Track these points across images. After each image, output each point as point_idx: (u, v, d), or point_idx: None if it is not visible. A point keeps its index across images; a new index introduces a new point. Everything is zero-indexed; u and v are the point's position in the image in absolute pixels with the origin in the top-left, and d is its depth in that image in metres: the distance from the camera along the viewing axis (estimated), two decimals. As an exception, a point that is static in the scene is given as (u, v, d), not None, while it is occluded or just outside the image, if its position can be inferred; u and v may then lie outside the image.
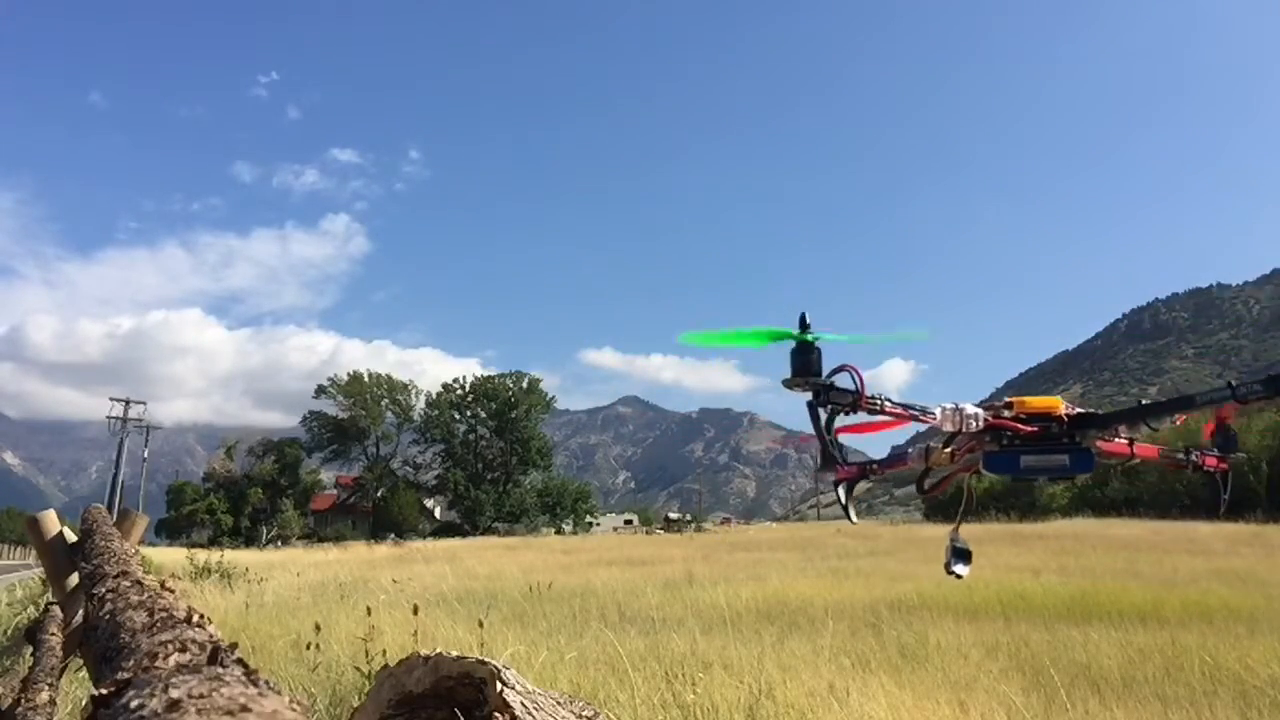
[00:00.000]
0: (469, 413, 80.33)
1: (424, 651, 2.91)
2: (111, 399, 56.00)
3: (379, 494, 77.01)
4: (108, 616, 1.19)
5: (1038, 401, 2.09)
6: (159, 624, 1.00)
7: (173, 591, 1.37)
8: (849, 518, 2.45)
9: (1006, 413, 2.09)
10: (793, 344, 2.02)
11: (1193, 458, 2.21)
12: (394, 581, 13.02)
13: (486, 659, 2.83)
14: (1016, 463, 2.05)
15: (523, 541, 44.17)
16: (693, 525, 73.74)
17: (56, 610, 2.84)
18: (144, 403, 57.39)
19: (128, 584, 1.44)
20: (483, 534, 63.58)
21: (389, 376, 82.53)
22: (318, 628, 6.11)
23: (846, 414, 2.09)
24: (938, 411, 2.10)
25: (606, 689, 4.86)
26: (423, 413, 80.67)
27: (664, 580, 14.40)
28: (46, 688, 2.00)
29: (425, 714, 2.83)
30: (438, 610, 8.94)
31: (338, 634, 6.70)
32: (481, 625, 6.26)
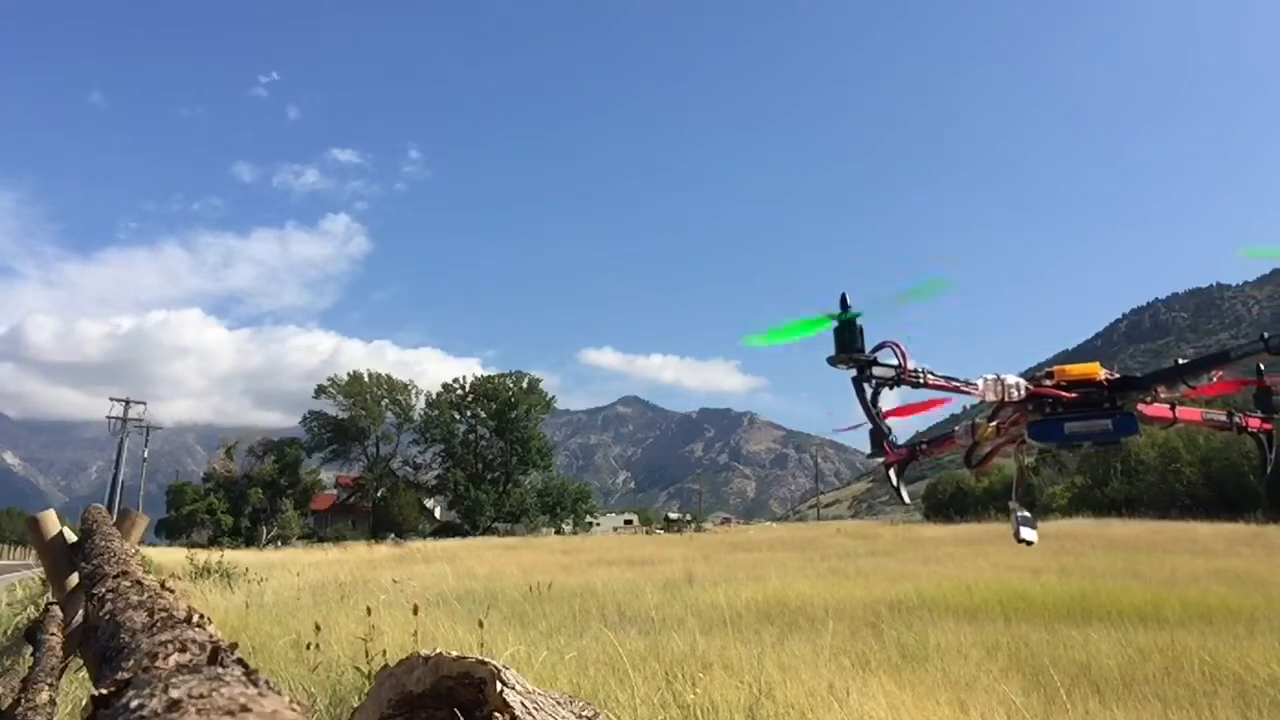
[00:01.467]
0: (469, 413, 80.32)
1: (424, 651, 2.91)
2: (111, 399, 56.06)
3: (379, 494, 77.00)
4: (108, 616, 1.19)
5: (1077, 369, 2.13)
6: (159, 624, 1.00)
7: (173, 591, 1.37)
8: (901, 499, 2.47)
9: (1047, 382, 2.12)
10: (836, 323, 2.07)
11: (1236, 420, 2.26)
12: (394, 581, 13.02)
13: (486, 659, 2.83)
14: (1061, 429, 2.09)
15: (523, 541, 44.18)
16: (693, 525, 73.77)
17: (56, 610, 2.84)
18: (144, 403, 57.47)
19: (128, 584, 1.44)
20: (483, 534, 63.59)
21: (389, 376, 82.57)
22: (318, 628, 6.11)
23: (891, 388, 2.11)
24: (979, 383, 2.14)
25: (606, 689, 4.86)
26: (423, 413, 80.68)
27: (664, 580, 14.41)
28: (46, 688, 2.00)
29: (425, 714, 2.82)
30: (438, 610, 8.94)
31: (338, 634, 6.70)
32: (481, 625, 6.26)
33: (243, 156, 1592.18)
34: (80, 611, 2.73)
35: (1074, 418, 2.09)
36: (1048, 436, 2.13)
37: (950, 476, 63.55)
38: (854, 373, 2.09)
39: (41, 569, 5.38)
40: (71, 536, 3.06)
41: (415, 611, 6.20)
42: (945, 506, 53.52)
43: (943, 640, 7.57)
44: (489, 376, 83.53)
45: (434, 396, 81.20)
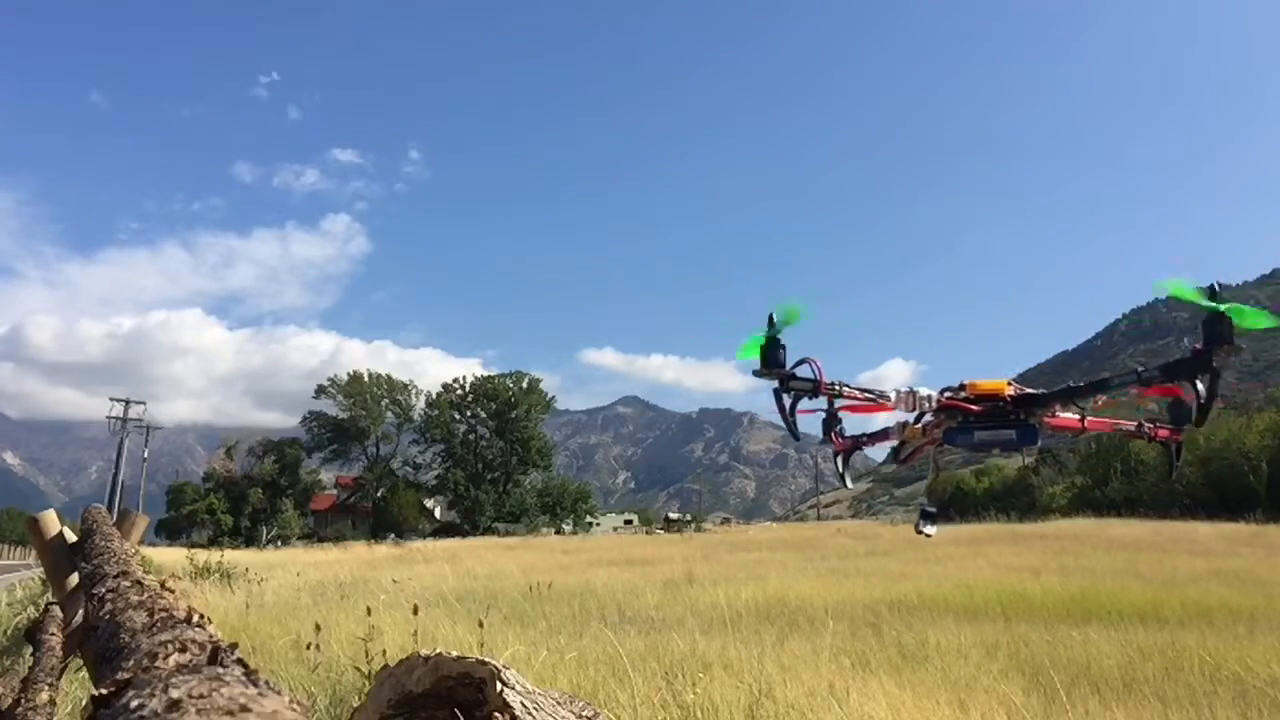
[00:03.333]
0: (469, 413, 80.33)
1: (424, 651, 2.91)
2: (111, 399, 56.00)
3: (379, 494, 77.01)
4: (108, 616, 1.19)
5: (986, 384, 2.33)
6: (159, 624, 1.01)
7: (173, 591, 1.37)
8: (845, 484, 2.74)
9: (961, 394, 2.33)
10: (764, 340, 2.35)
11: (1145, 429, 2.45)
12: (394, 581, 13.02)
13: (486, 659, 2.83)
14: (972, 436, 2.31)
15: (523, 541, 44.18)
16: (693, 525, 73.73)
17: (56, 610, 2.84)
18: (144, 403, 57.40)
19: (128, 584, 1.44)
20: (483, 534, 63.57)
21: (389, 376, 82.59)
22: (318, 628, 6.11)
23: (810, 398, 2.38)
24: (893, 394, 2.39)
25: (606, 689, 4.86)
26: (423, 413, 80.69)
27: (664, 580, 14.41)
28: (46, 688, 2.00)
29: (425, 714, 2.82)
30: (438, 610, 8.94)
31: (338, 634, 6.70)
32: (481, 625, 6.25)
33: (243, 157, 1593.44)
34: (80, 611, 2.73)
35: (984, 427, 2.29)
36: (960, 441, 2.34)
37: (950, 477, 63.61)
38: (776, 384, 2.34)
39: (41, 569, 5.38)
40: (71, 536, 3.06)
41: (415, 611, 6.19)
42: (945, 507, 53.55)
43: (943, 640, 7.57)
44: (489, 376, 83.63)
45: (434, 396, 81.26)
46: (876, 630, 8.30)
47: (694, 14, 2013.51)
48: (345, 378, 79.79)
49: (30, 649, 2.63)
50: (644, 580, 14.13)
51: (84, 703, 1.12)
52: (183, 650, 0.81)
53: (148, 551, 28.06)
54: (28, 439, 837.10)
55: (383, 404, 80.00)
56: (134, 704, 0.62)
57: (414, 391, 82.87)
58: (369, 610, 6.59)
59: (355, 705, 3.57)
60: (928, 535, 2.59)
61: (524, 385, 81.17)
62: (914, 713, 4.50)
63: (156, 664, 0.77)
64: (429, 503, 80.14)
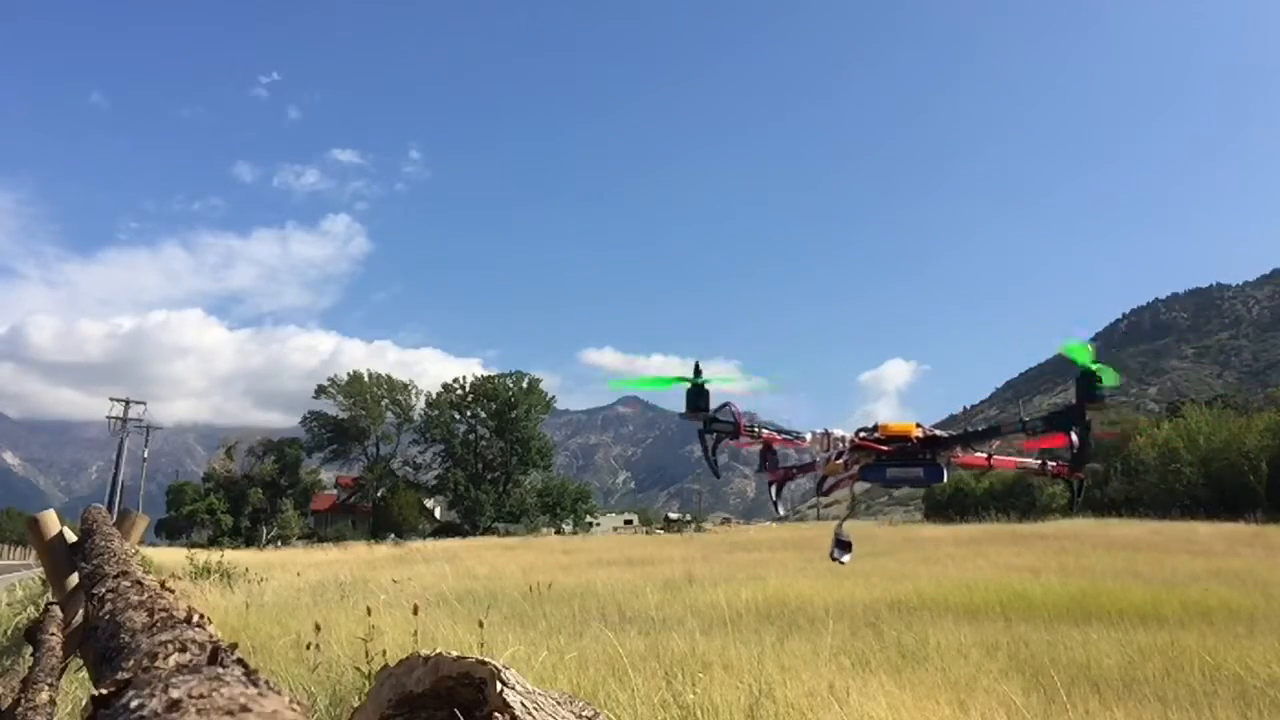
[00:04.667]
0: (469, 413, 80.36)
1: (424, 651, 2.91)
2: (111, 399, 55.97)
3: (379, 494, 77.03)
4: (108, 616, 1.19)
5: (897, 426, 2.53)
6: (159, 624, 1.01)
7: (173, 591, 1.37)
8: (776, 511, 2.92)
9: (874, 435, 2.52)
10: (689, 386, 2.59)
11: (1048, 467, 2.57)
12: (394, 581, 13.03)
13: (486, 659, 2.83)
14: (884, 473, 2.51)
15: (523, 541, 44.19)
16: (693, 525, 73.74)
17: (56, 610, 2.84)
18: (144, 403, 57.39)
19: (128, 584, 1.44)
20: (483, 534, 63.59)
21: (389, 376, 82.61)
22: (318, 628, 6.11)
23: (732, 439, 2.63)
24: (808, 435, 2.62)
25: (606, 689, 4.87)
26: (423, 413, 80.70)
27: (664, 580, 14.41)
28: (46, 688, 2.01)
29: (425, 714, 2.83)
30: (438, 610, 8.94)
31: (338, 634, 6.70)
32: (481, 625, 6.26)
33: (243, 157, 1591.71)
34: (80, 611, 2.73)
35: (895, 464, 2.48)
36: (874, 477, 2.54)
37: (951, 477, 63.42)
38: (700, 425, 2.60)
39: (41, 569, 5.38)
40: (71, 536, 3.06)
41: (415, 611, 6.20)
42: (945, 507, 53.57)
43: (943, 640, 7.58)
44: (489, 376, 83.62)
45: (434, 396, 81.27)
46: (876, 630, 8.30)
47: (695, 15, 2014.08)
48: (345, 378, 79.83)
49: (30, 649, 2.63)
50: (644, 580, 14.13)
51: (84, 703, 1.12)
52: (183, 650, 0.81)
53: (148, 551, 28.07)
54: (28, 439, 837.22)
55: (383, 404, 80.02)
56: (134, 704, 0.62)
57: (414, 391, 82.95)
58: (369, 610, 6.59)
59: (355, 705, 3.58)
60: (842, 563, 2.77)
61: (524, 385, 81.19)
62: (914, 713, 4.50)
63: (156, 664, 0.77)
64: (429, 503, 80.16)
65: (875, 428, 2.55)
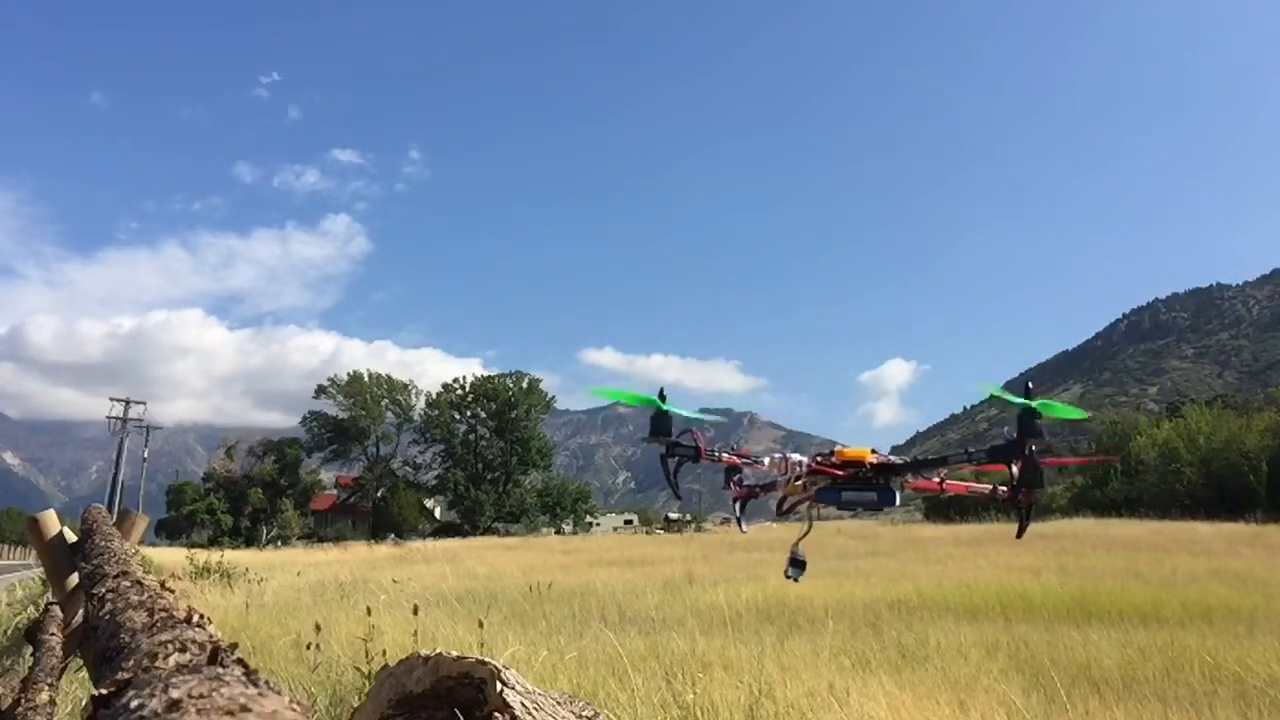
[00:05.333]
0: (469, 413, 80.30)
1: (424, 651, 2.91)
2: (111, 399, 55.95)
3: (379, 494, 76.98)
4: (108, 616, 1.19)
5: (852, 451, 2.63)
6: (159, 624, 1.01)
7: (173, 591, 1.37)
8: (740, 528, 3.03)
9: (830, 459, 2.64)
10: (653, 410, 2.68)
11: (1000, 492, 2.59)
12: (394, 581, 13.02)
13: (486, 659, 2.83)
14: (839, 496, 2.62)
15: (523, 541, 44.18)
16: (693, 525, 73.69)
17: (56, 610, 2.84)
18: (144, 403, 57.36)
19: (128, 584, 1.44)
20: (483, 534, 63.56)
21: (389, 376, 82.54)
22: (318, 628, 6.10)
23: (694, 462, 2.72)
24: (767, 460, 2.73)
25: (606, 689, 4.86)
26: (423, 413, 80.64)
27: (664, 580, 14.41)
28: (46, 688, 2.00)
29: (425, 714, 2.82)
30: (438, 610, 8.94)
31: (338, 634, 6.70)
32: (481, 625, 6.25)
33: (243, 157, 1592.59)
34: (80, 611, 2.73)
35: (850, 488, 2.60)
36: (830, 499, 2.65)
37: (950, 477, 63.39)
38: (663, 450, 2.69)
39: (41, 569, 5.38)
40: (71, 536, 3.06)
41: (415, 611, 6.20)
42: (945, 507, 53.53)
43: (943, 640, 7.58)
44: (489, 376, 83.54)
45: (434, 396, 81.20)
46: (876, 630, 8.30)
47: (696, 16, 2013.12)
48: (345, 378, 79.75)
49: (30, 649, 2.63)
50: (644, 580, 14.13)
51: (84, 703, 1.12)
52: (183, 650, 0.81)
53: (148, 551, 28.05)
54: (28, 439, 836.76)
55: (383, 404, 79.95)
56: (134, 704, 0.62)
57: (414, 391, 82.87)
58: (369, 610, 6.59)
59: (355, 705, 3.58)
60: (794, 580, 2.89)
61: (524, 385, 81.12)
62: (914, 713, 4.50)
63: (156, 664, 0.77)
64: (429, 503, 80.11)
65: (832, 453, 2.67)
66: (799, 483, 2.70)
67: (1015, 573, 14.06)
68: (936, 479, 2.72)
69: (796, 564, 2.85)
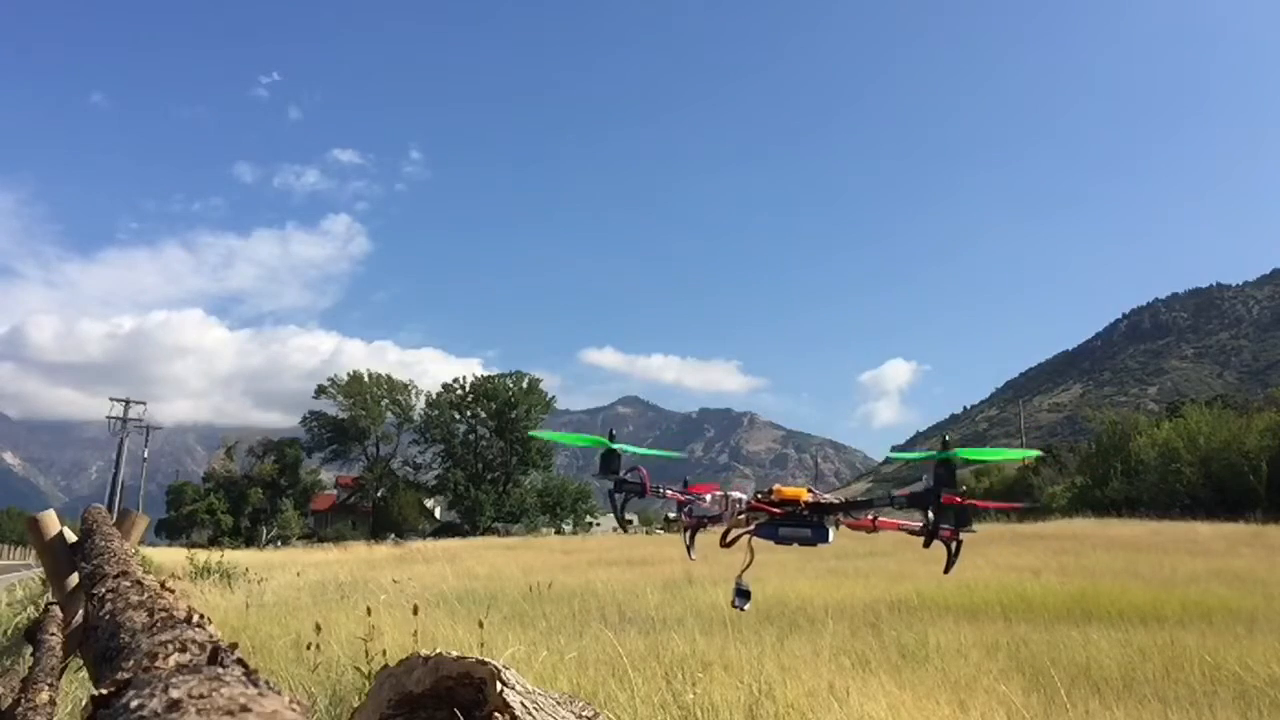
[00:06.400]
0: (469, 413, 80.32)
1: (424, 651, 2.91)
2: (111, 399, 56.13)
3: (379, 494, 76.99)
4: (108, 616, 1.19)
5: (789, 490, 2.80)
6: (159, 624, 1.01)
7: (173, 591, 1.37)
8: (690, 556, 3.16)
9: (769, 498, 2.81)
10: (602, 449, 2.86)
11: (929, 528, 2.73)
12: (394, 581, 13.02)
13: (486, 659, 2.83)
14: (776, 531, 2.76)
15: (523, 542, 44.15)
16: (693, 525, 73.53)
17: (56, 610, 2.84)
18: (144, 403, 57.51)
19: (128, 584, 1.44)
20: (483, 534, 63.53)
21: (389, 376, 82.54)
22: (318, 628, 6.11)
23: (639, 497, 2.90)
24: (709, 498, 2.91)
25: (606, 689, 4.86)
26: (423, 413, 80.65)
27: (664, 580, 14.41)
28: (46, 688, 2.00)
29: (425, 714, 2.83)
30: (438, 610, 8.94)
31: (338, 634, 6.70)
32: (481, 625, 6.25)
33: (243, 157, 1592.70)
34: (80, 611, 2.73)
35: (787, 524, 2.75)
36: (767, 534, 2.79)
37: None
38: (611, 485, 2.85)
39: (41, 569, 5.38)
40: (71, 536, 3.06)
41: (415, 611, 6.20)
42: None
43: (943, 640, 7.57)
44: (489, 376, 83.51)
45: (434, 396, 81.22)
46: (876, 630, 8.30)
47: (698, 20, 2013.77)
48: (345, 378, 79.74)
49: (30, 649, 2.63)
50: (644, 580, 14.13)
51: (84, 703, 1.12)
52: (183, 650, 0.81)
53: (148, 551, 28.09)
54: (28, 439, 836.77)
55: (383, 404, 79.95)
56: (134, 704, 0.62)
57: (414, 391, 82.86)
58: (369, 610, 6.59)
59: (355, 705, 3.58)
60: (741, 610, 3.01)
61: (524, 385, 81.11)
62: (914, 713, 4.50)
63: (156, 664, 0.77)
64: (429, 503, 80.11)
65: (770, 491, 2.85)
66: (741, 517, 2.87)
67: (1015, 573, 14.06)
68: (869, 517, 2.89)
69: (741, 594, 2.99)
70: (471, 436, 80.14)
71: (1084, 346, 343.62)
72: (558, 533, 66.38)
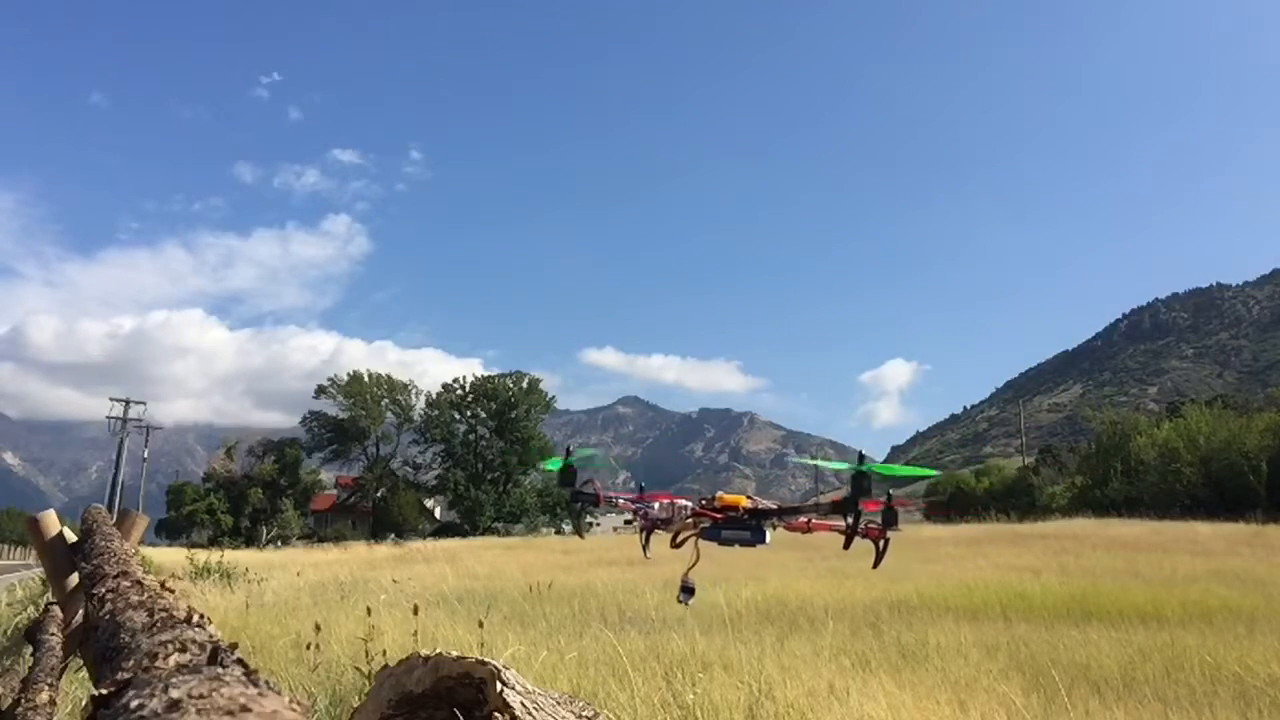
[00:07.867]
0: (469, 413, 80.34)
1: (424, 651, 2.92)
2: (111, 399, 56.05)
3: (379, 494, 76.99)
4: (108, 616, 1.19)
5: (730, 497, 3.13)
6: (159, 624, 1.01)
7: (173, 591, 1.37)
8: (645, 555, 3.47)
9: (713, 504, 3.13)
10: (561, 465, 3.27)
11: (859, 529, 3.05)
12: (394, 581, 13.03)
13: (486, 659, 2.83)
14: (719, 533, 3.09)
15: (523, 541, 44.15)
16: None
17: (56, 610, 2.84)
18: (144, 403, 57.49)
19: (128, 584, 1.44)
20: (483, 534, 63.55)
21: (389, 376, 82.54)
22: (318, 628, 6.11)
23: (595, 505, 3.34)
24: (656, 505, 3.27)
25: (606, 689, 4.87)
26: (423, 413, 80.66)
27: (664, 580, 14.39)
28: (46, 688, 2.01)
29: (425, 714, 2.83)
30: (438, 610, 8.95)
31: (338, 634, 6.70)
32: (482, 625, 6.26)
33: (244, 157, 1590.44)
34: (80, 611, 2.73)
35: (729, 528, 3.07)
36: (713, 537, 3.10)
37: (951, 477, 63.69)
38: (569, 495, 3.29)
39: (41, 569, 5.38)
40: (71, 536, 3.06)
41: (415, 611, 6.20)
42: (945, 507, 53.53)
43: (943, 640, 7.58)
44: (489, 376, 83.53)
45: (434, 396, 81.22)
46: (876, 630, 8.31)
47: (698, 20, 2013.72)
48: (345, 378, 79.73)
49: (30, 649, 2.63)
50: (644, 580, 14.12)
51: (84, 703, 1.12)
52: (183, 650, 0.81)
53: (148, 551, 28.07)
54: (28, 439, 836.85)
55: (383, 404, 79.97)
56: (134, 704, 0.62)
57: (414, 391, 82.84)
58: (369, 610, 6.59)
59: (355, 705, 3.58)
60: (686, 604, 3.37)
61: (524, 385, 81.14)
62: (914, 713, 4.50)
63: (156, 664, 0.77)
64: (429, 503, 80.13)
65: (714, 498, 3.17)
66: (689, 521, 3.18)
67: (1015, 573, 14.07)
68: (803, 519, 3.18)
69: (686, 590, 3.31)
70: (471, 436, 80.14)
71: (1084, 346, 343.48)
72: (558, 533, 66.40)
